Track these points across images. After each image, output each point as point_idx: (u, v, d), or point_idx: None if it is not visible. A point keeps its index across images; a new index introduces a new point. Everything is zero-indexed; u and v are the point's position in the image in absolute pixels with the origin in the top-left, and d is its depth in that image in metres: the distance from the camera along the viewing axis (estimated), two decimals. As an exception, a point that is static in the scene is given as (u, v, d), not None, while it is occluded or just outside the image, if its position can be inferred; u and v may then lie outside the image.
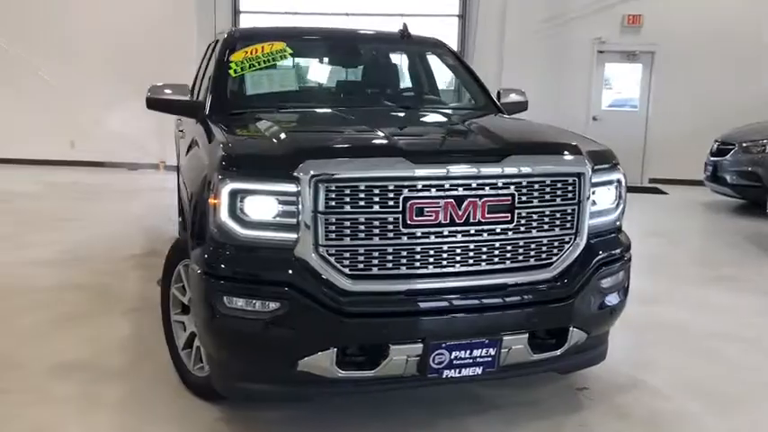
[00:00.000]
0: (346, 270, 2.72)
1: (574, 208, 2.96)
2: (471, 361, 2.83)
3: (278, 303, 2.70)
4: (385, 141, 2.97)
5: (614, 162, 3.20)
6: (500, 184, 2.82)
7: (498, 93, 4.53)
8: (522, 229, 2.88)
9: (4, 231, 6.96)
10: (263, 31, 4.52)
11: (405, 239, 2.74)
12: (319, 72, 4.46)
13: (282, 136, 3.05)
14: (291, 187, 2.66)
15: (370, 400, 3.33)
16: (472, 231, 2.80)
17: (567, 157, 3.00)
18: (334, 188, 2.67)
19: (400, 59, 4.91)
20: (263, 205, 2.73)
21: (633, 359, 4.02)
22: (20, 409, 3.27)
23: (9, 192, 9.25)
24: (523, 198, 2.85)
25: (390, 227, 2.71)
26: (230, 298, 2.73)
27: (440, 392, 3.42)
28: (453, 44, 12.47)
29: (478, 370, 2.85)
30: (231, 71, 4.15)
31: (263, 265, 2.75)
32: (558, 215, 2.94)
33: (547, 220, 2.92)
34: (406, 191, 2.71)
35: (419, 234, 2.75)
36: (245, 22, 13.14)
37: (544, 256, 2.95)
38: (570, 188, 2.94)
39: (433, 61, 4.81)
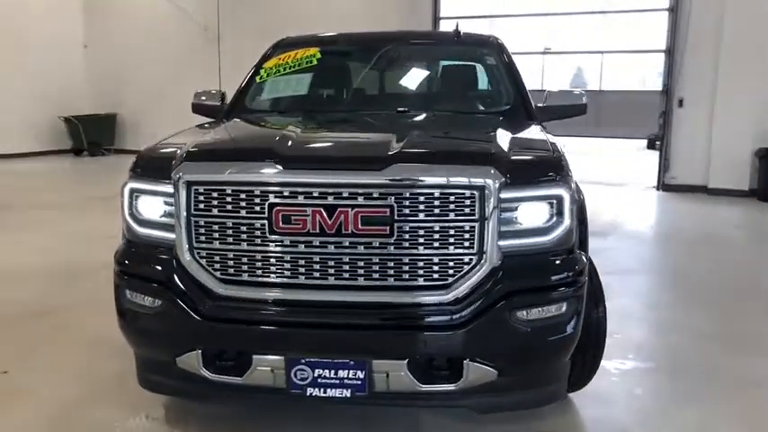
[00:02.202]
0: (218, 274, 2.72)
1: (473, 225, 2.60)
2: (338, 382, 2.65)
3: (158, 300, 2.79)
4: (265, 146, 2.88)
5: (552, 176, 2.74)
6: (376, 195, 2.58)
7: (545, 95, 4.12)
8: (405, 244, 2.60)
9: None
10: (308, 39, 4.60)
11: (273, 247, 2.65)
12: (340, 77, 4.42)
13: (200, 139, 3.13)
14: (170, 189, 2.74)
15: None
16: (346, 243, 2.61)
17: (465, 167, 2.64)
18: (203, 191, 2.69)
19: (437, 62, 4.64)
20: (151, 205, 2.85)
21: None
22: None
23: None
24: (405, 211, 2.58)
25: (258, 233, 2.65)
26: (130, 292, 2.90)
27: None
28: (662, 40, 11.34)
29: (347, 392, 2.65)
30: (258, 77, 4.33)
31: (150, 263, 2.86)
32: (451, 232, 2.60)
33: (437, 236, 2.60)
34: (272, 197, 2.62)
35: (287, 242, 2.64)
36: (445, 27, 13.31)
37: (436, 276, 2.63)
38: (468, 203, 2.59)
39: (488, 62, 4.50)
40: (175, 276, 2.76)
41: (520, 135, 3.28)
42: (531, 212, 2.70)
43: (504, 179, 2.62)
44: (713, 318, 4.79)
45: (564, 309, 2.75)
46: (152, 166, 2.88)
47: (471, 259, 2.62)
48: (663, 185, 11.07)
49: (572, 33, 18.17)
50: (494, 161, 2.67)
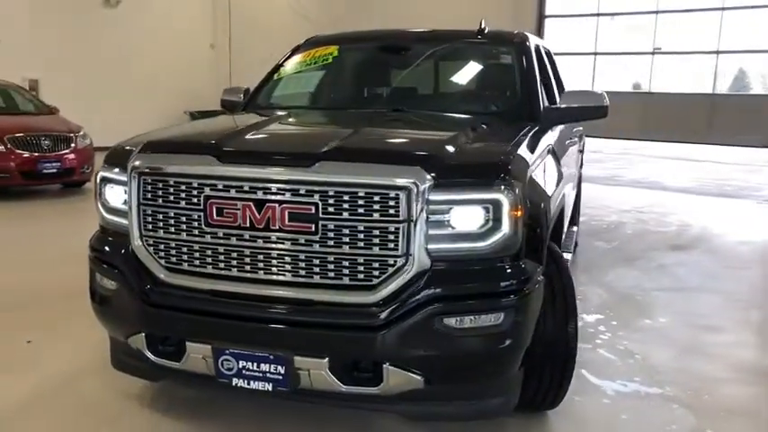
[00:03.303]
0: (163, 261, 2.83)
1: (398, 227, 2.53)
2: (261, 375, 2.68)
3: (114, 283, 2.96)
4: (209, 140, 2.93)
5: (488, 180, 2.60)
6: (302, 192, 2.58)
7: (562, 95, 3.92)
8: (330, 243, 2.58)
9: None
10: (331, 37, 4.64)
11: (209, 239, 2.72)
12: (350, 75, 4.41)
13: (162, 132, 3.26)
14: (125, 177, 2.88)
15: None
16: (273, 239, 2.63)
17: (390, 167, 2.56)
18: (150, 181, 2.81)
19: (448, 61, 4.51)
20: (115, 193, 3.01)
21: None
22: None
23: None
24: (330, 209, 2.56)
25: (195, 224, 2.73)
26: (97, 274, 3.09)
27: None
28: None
29: (269, 386, 2.68)
30: (276, 74, 4.44)
31: (112, 248, 3.02)
32: (376, 233, 2.54)
33: (361, 236, 2.55)
34: (207, 189, 2.69)
35: (221, 235, 2.70)
36: (551, 26, 12.91)
37: (362, 276, 2.59)
38: (392, 203, 2.52)
39: (502, 61, 4.34)
40: (128, 262, 2.90)
41: (487, 137, 3.14)
42: (465, 217, 2.58)
43: (432, 181, 2.53)
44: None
45: (501, 319, 2.61)
46: (117, 157, 3.04)
47: (396, 261, 2.56)
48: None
49: (684, 32, 16.85)
50: (424, 162, 2.58)
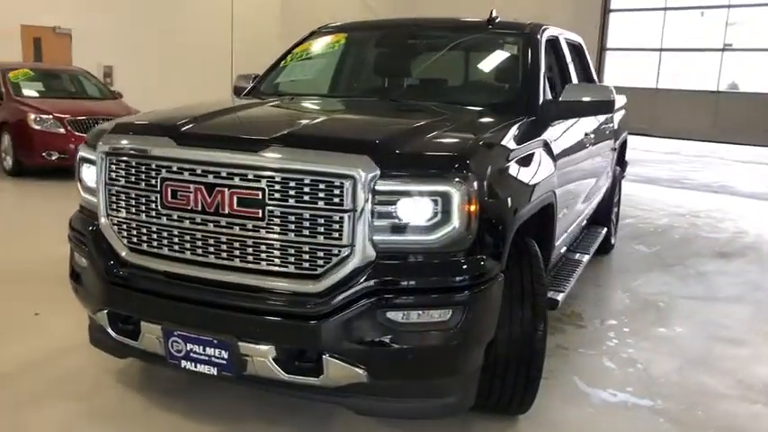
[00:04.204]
0: (125, 241, 2.87)
1: (343, 216, 2.47)
2: (206, 358, 2.68)
3: (84, 260, 3.03)
4: (172, 122, 2.92)
5: (439, 171, 2.50)
6: (250, 177, 2.56)
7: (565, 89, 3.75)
8: (277, 229, 2.55)
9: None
10: (341, 26, 4.59)
11: (165, 220, 2.75)
12: (352, 64, 4.34)
13: (137, 115, 3.31)
14: (95, 158, 2.94)
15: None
16: (223, 223, 2.63)
17: (337, 155, 2.50)
18: (115, 161, 2.85)
19: (451, 52, 4.35)
20: (89, 172, 3.07)
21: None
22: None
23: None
24: (276, 195, 2.53)
25: (153, 206, 2.76)
26: (75, 252, 3.17)
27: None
28: None
29: (214, 370, 2.68)
30: (284, 61, 4.44)
31: (83, 226, 3.09)
32: (321, 221, 2.50)
33: (307, 224, 2.51)
34: (164, 171, 2.71)
35: (176, 217, 2.72)
36: (615, 20, 12.38)
37: (307, 265, 2.55)
38: (337, 192, 2.47)
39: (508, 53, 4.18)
40: (96, 240, 2.96)
41: (461, 128, 3.03)
42: (412, 209, 2.50)
43: (379, 170, 2.46)
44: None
45: (449, 316, 2.52)
46: (93, 137, 3.10)
47: (341, 251, 2.50)
48: None
49: (755, 29, 15.72)
50: (372, 151, 2.51)
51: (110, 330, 2.93)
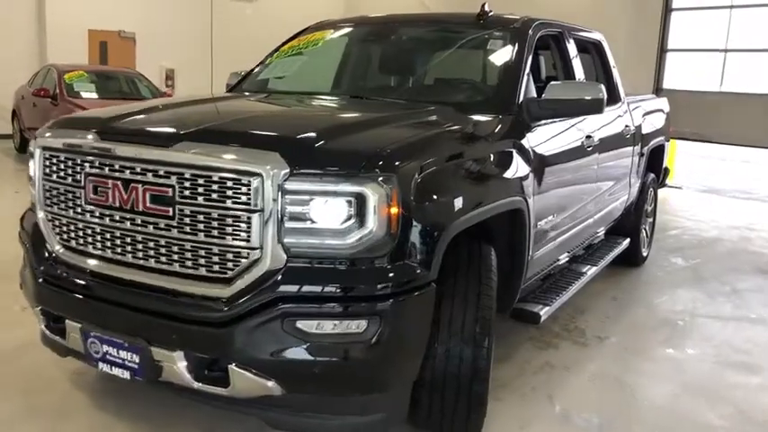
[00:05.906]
0: (57, 238, 2.81)
1: (251, 216, 2.32)
2: (120, 361, 2.58)
3: (24, 257, 3.00)
4: (101, 117, 2.84)
5: (353, 170, 2.31)
6: (161, 173, 2.44)
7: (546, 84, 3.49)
8: (187, 229, 2.42)
9: None
10: (331, 22, 4.46)
11: (88, 217, 2.67)
12: (335, 60, 4.17)
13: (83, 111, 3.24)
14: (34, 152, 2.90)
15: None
16: (138, 221, 2.52)
17: (245, 151, 2.35)
18: (48, 156, 2.80)
19: (438, 47, 4.11)
20: (32, 166, 3.03)
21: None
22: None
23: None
24: (185, 192, 2.40)
25: (79, 201, 2.69)
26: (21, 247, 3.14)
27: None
28: None
29: (126, 374, 2.58)
30: (270, 58, 4.34)
31: (27, 222, 3.06)
32: (229, 221, 2.35)
33: (215, 224, 2.37)
34: (87, 166, 2.64)
35: (98, 214, 2.63)
36: (677, 19, 11.69)
37: (216, 268, 2.41)
38: (245, 190, 2.32)
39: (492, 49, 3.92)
40: (33, 236, 2.92)
41: (401, 127, 2.83)
42: (325, 210, 2.32)
43: (289, 168, 2.30)
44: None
45: (365, 328, 2.33)
46: (39, 132, 3.06)
47: (250, 254, 2.35)
48: None
49: None
50: (283, 147, 2.35)
51: (43, 328, 2.88)
